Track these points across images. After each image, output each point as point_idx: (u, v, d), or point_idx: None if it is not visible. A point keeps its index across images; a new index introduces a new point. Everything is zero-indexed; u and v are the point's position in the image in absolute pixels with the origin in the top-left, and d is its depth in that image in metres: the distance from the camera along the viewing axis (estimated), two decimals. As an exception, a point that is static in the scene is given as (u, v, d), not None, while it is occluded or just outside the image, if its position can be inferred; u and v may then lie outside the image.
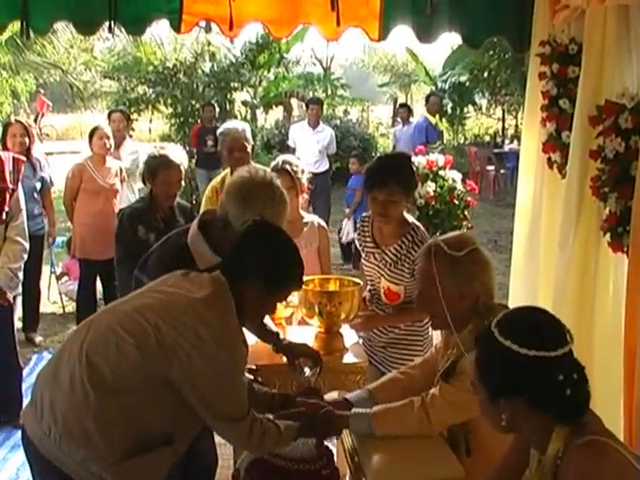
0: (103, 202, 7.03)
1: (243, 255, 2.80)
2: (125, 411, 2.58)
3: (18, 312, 6.20)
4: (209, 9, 4.61)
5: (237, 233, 2.94)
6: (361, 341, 4.10)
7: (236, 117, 15.38)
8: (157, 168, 4.74)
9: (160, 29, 12.53)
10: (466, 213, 5.66)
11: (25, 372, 5.80)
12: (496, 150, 19.62)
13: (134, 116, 14.34)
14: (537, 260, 4.46)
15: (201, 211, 4.84)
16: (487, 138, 24.38)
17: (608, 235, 3.59)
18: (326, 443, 3.06)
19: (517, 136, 20.49)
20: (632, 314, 3.38)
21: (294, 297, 3.98)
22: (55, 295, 8.52)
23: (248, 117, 17.05)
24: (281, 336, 3.65)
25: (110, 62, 17.56)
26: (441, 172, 5.65)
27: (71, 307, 8.12)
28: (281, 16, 4.66)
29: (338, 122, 19.03)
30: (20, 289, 5.21)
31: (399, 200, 3.88)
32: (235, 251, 2.83)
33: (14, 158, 4.92)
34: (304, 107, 13.37)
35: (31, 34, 4.41)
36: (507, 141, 22.28)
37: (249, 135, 5.29)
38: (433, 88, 20.40)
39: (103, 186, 7.06)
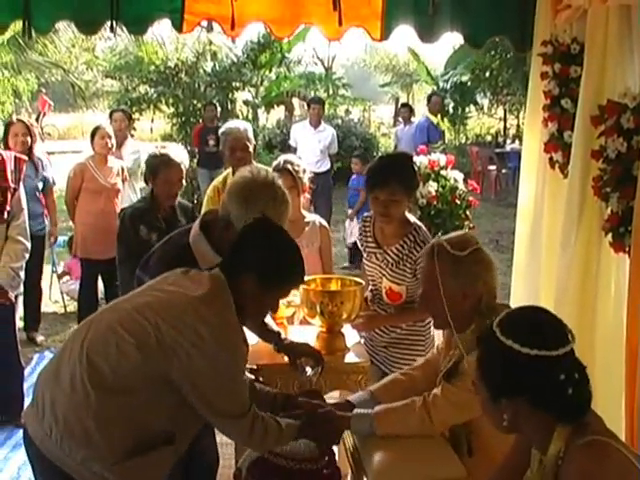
0: (105, 202, 7.03)
1: (243, 252, 2.80)
2: (126, 411, 2.58)
3: (19, 311, 6.20)
4: (211, 8, 4.61)
5: (239, 233, 2.94)
6: (363, 341, 4.10)
7: (238, 117, 15.39)
8: (158, 167, 4.74)
9: (162, 28, 12.48)
10: (468, 213, 5.66)
11: (27, 371, 5.80)
12: (498, 150, 19.64)
13: (136, 116, 14.35)
14: (539, 260, 4.46)
15: (203, 211, 4.84)
16: (489, 138, 24.40)
17: (610, 235, 3.59)
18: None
19: (519, 136, 20.48)
20: (633, 314, 3.38)
21: (296, 297, 3.98)
22: (57, 294, 8.53)
23: (250, 117, 17.08)
24: (282, 336, 3.65)
25: (112, 61, 17.56)
26: (443, 172, 5.65)
27: (72, 306, 8.13)
28: (283, 16, 4.65)
29: (340, 122, 19.02)
30: (22, 288, 5.21)
31: (401, 200, 3.88)
32: (234, 248, 2.84)
33: (16, 157, 4.92)
34: (305, 107, 13.36)
35: (33, 34, 4.41)
36: (509, 141, 22.27)
37: (251, 135, 5.29)
38: (435, 88, 20.41)
39: (105, 186, 7.06)
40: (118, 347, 2.58)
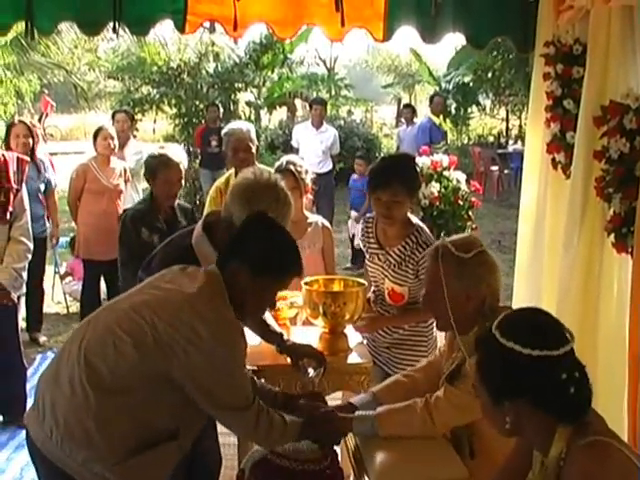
0: (107, 202, 7.04)
1: (235, 247, 2.81)
2: (126, 410, 2.59)
3: (22, 312, 6.20)
4: (213, 9, 4.61)
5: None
6: (365, 342, 4.10)
7: (240, 117, 15.39)
8: (157, 167, 4.75)
9: (164, 29, 12.55)
10: (470, 214, 5.65)
11: (29, 372, 5.81)
12: (500, 150, 19.64)
13: (138, 116, 14.36)
14: (541, 261, 4.45)
15: (205, 211, 4.84)
16: (491, 138, 24.38)
17: (612, 236, 3.59)
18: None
19: (521, 136, 20.50)
20: (636, 315, 3.38)
21: (298, 298, 3.99)
22: (59, 295, 8.54)
23: (252, 117, 17.07)
24: (285, 337, 3.65)
25: (114, 62, 17.56)
26: (445, 172, 5.64)
27: (75, 307, 8.13)
28: (285, 17, 4.66)
29: (342, 122, 19.04)
30: (24, 289, 5.21)
31: (403, 201, 3.88)
32: (229, 244, 2.84)
33: (18, 158, 4.93)
34: (308, 107, 13.37)
35: (35, 34, 4.42)
36: (511, 141, 22.27)
37: (254, 136, 5.29)
38: (437, 88, 20.41)
39: (107, 186, 7.06)
40: (116, 347, 2.58)
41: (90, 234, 7.05)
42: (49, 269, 7.85)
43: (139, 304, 2.69)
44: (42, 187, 6.87)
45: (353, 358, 3.81)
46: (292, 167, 4.58)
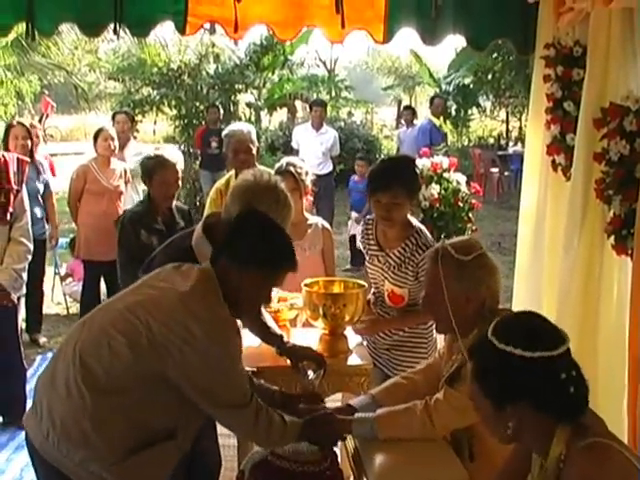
0: (107, 203, 7.04)
1: (227, 245, 2.81)
2: (122, 410, 2.59)
3: (22, 313, 6.20)
4: (214, 11, 4.61)
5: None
6: (365, 343, 4.10)
7: (240, 119, 15.40)
8: (153, 168, 4.74)
9: (165, 31, 12.55)
10: (470, 215, 5.65)
11: (29, 373, 5.81)
12: (500, 152, 19.63)
13: (138, 117, 14.38)
14: (541, 263, 4.45)
15: (205, 213, 4.84)
16: (491, 140, 24.37)
17: (612, 238, 3.59)
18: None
19: (521, 138, 20.49)
20: (636, 316, 3.38)
21: (298, 299, 3.99)
22: (59, 296, 8.54)
23: (252, 119, 17.08)
24: (285, 339, 3.65)
25: (114, 63, 17.56)
26: (445, 174, 5.64)
27: (75, 308, 8.13)
28: (286, 18, 4.66)
29: (342, 124, 19.04)
30: (24, 290, 5.21)
31: (403, 203, 3.87)
32: (221, 242, 2.84)
33: (18, 159, 4.93)
34: (308, 109, 13.38)
35: (36, 36, 4.42)
36: (511, 143, 22.26)
37: (254, 137, 5.29)
38: (437, 90, 20.41)
39: (107, 187, 7.07)
40: (110, 348, 2.59)
41: (90, 235, 7.06)
42: (49, 270, 7.85)
43: (133, 304, 2.69)
44: (41, 188, 6.87)
45: (353, 360, 3.82)
46: (292, 169, 4.58)
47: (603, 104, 3.66)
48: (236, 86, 15.72)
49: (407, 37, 4.81)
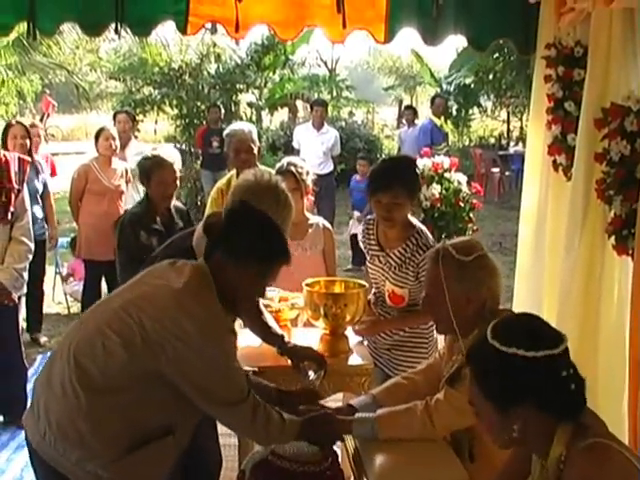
0: (108, 203, 7.05)
1: (221, 239, 2.80)
2: (118, 409, 2.59)
3: (22, 313, 6.20)
4: (215, 11, 4.61)
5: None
6: (366, 343, 4.10)
7: (241, 118, 15.40)
8: (151, 169, 4.72)
9: (166, 31, 12.57)
10: (471, 215, 5.65)
11: (30, 372, 5.80)
12: (501, 152, 19.64)
13: (139, 117, 14.38)
14: (542, 263, 4.45)
15: (206, 212, 4.84)
16: (492, 140, 24.39)
17: (613, 238, 3.59)
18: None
19: (522, 138, 20.49)
20: (637, 317, 3.38)
21: (299, 299, 3.99)
22: (60, 296, 8.54)
23: (253, 118, 17.08)
24: (286, 339, 3.65)
25: (116, 63, 17.56)
26: (446, 174, 5.65)
27: (76, 307, 8.14)
28: (287, 18, 4.66)
29: (343, 124, 19.05)
30: (25, 289, 5.21)
31: (403, 203, 3.87)
32: (214, 236, 2.84)
33: (19, 158, 4.93)
34: (309, 109, 13.38)
35: (37, 35, 4.42)
36: (512, 143, 22.26)
37: (255, 137, 5.29)
38: (438, 90, 20.40)
39: (108, 187, 7.07)
40: (105, 347, 2.59)
41: (91, 234, 7.07)
42: (50, 270, 7.85)
43: (128, 303, 2.68)
44: (40, 188, 6.86)
45: (354, 359, 3.82)
46: (293, 168, 4.58)
47: (604, 104, 3.66)
48: (237, 86, 15.72)
49: (408, 37, 4.81)
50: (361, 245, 4.26)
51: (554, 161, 4.21)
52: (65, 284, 8.41)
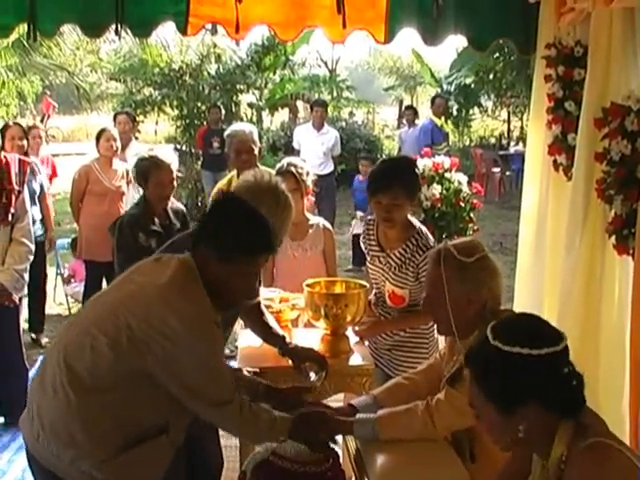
0: (109, 204, 7.05)
1: (205, 232, 2.78)
2: (108, 409, 2.59)
3: (24, 314, 6.20)
4: (215, 12, 4.61)
5: None
6: (367, 343, 4.10)
7: (242, 119, 15.39)
8: (148, 170, 4.71)
9: (166, 31, 12.55)
10: (472, 215, 5.64)
11: (31, 373, 5.77)
12: (502, 152, 19.64)
13: (140, 118, 14.37)
14: (543, 263, 4.45)
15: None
16: (492, 140, 24.39)
17: (613, 237, 3.59)
18: (332, 445, 3.06)
19: (523, 138, 20.48)
20: (637, 316, 3.38)
21: (300, 300, 3.99)
22: (61, 296, 8.54)
23: (254, 119, 17.08)
24: (287, 339, 3.65)
25: (116, 64, 17.54)
26: (447, 174, 5.64)
27: (77, 309, 8.13)
28: (287, 19, 4.65)
29: (344, 124, 19.05)
30: (25, 290, 5.21)
31: (403, 204, 3.87)
32: (198, 229, 2.83)
33: (20, 160, 4.94)
34: (309, 109, 13.38)
35: (38, 36, 4.42)
36: (512, 143, 22.25)
37: (256, 137, 5.30)
38: (439, 90, 20.39)
39: (109, 188, 7.08)
40: (93, 348, 2.58)
41: (92, 235, 7.06)
42: (51, 271, 7.85)
43: (114, 301, 2.68)
44: (37, 190, 6.86)
45: (355, 360, 3.82)
46: (293, 169, 4.59)
47: (604, 104, 3.66)
48: (238, 86, 15.71)
49: (408, 37, 4.81)
50: (362, 245, 4.25)
51: (554, 161, 4.21)
52: (66, 285, 8.41)
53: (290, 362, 3.59)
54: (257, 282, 2.93)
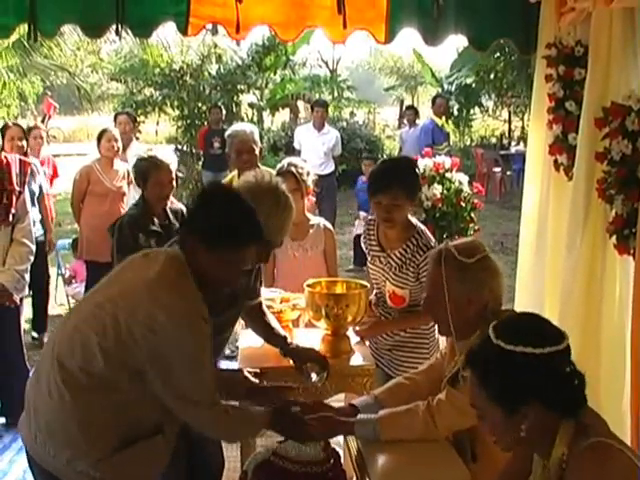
0: (110, 204, 7.05)
1: (191, 223, 2.78)
2: (103, 407, 2.59)
3: (25, 314, 6.20)
4: (216, 12, 4.60)
5: None
6: (367, 343, 4.10)
7: (242, 119, 15.43)
8: (148, 170, 4.70)
9: (167, 32, 12.55)
10: (473, 215, 5.64)
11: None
12: (502, 152, 19.64)
13: (141, 118, 14.39)
14: (544, 262, 4.45)
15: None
16: (493, 140, 24.38)
17: (614, 237, 3.59)
18: (333, 446, 3.06)
19: (523, 138, 20.51)
20: (639, 316, 3.38)
21: (301, 300, 3.99)
22: (62, 297, 8.54)
23: (254, 119, 17.11)
24: (289, 340, 3.65)
25: (117, 64, 17.58)
26: (448, 174, 5.63)
27: (78, 309, 8.11)
28: (288, 19, 4.65)
29: (344, 124, 19.06)
30: (26, 291, 5.21)
31: (403, 204, 3.87)
32: (185, 220, 2.83)
33: (21, 160, 4.95)
34: (310, 109, 13.39)
35: (38, 37, 4.41)
36: (513, 143, 22.28)
37: (257, 137, 5.30)
38: (439, 90, 20.38)
39: (110, 188, 7.08)
40: (83, 346, 2.58)
41: (93, 236, 7.05)
42: (52, 272, 7.85)
43: (103, 298, 2.67)
44: (37, 191, 6.86)
45: (356, 360, 3.82)
46: (293, 169, 4.58)
47: (605, 104, 3.66)
48: (238, 86, 15.74)
49: (409, 37, 4.80)
50: (362, 246, 4.25)
51: (555, 161, 4.21)
52: (67, 286, 8.41)
53: (291, 362, 3.59)
54: (242, 270, 2.87)
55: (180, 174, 4.95)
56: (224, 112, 13.10)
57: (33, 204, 6.63)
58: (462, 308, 2.85)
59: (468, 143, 23.23)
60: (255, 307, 3.67)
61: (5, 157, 4.83)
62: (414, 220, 4.10)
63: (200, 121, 14.40)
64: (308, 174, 4.66)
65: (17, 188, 4.81)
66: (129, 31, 4.60)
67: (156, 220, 4.69)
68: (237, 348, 4.40)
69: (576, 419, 2.09)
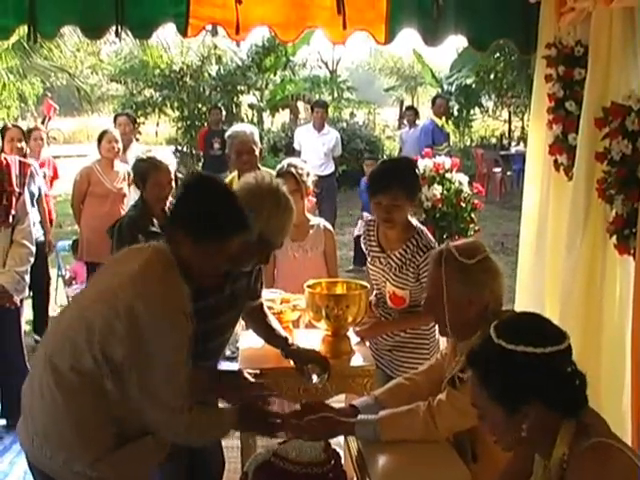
0: (110, 205, 7.05)
1: (176, 216, 2.78)
2: (95, 408, 2.59)
3: (26, 315, 6.20)
4: (216, 13, 4.60)
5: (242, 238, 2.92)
6: (368, 344, 4.09)
7: (243, 120, 15.45)
8: (147, 171, 4.69)
9: (167, 33, 12.56)
10: (473, 216, 5.64)
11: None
12: (502, 152, 19.64)
13: (141, 119, 14.41)
14: (544, 262, 4.45)
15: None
16: (493, 140, 24.38)
17: (614, 237, 3.59)
18: (333, 446, 3.06)
19: (523, 138, 20.50)
20: (639, 316, 3.38)
21: (301, 300, 3.99)
22: (62, 298, 8.53)
23: (255, 120, 17.14)
24: (289, 341, 3.65)
25: (117, 65, 17.60)
26: (448, 175, 5.64)
27: (78, 310, 8.11)
28: (288, 20, 4.65)
29: (344, 125, 19.06)
30: (27, 292, 5.21)
31: (403, 205, 3.87)
32: (170, 213, 2.82)
33: (20, 162, 4.95)
34: (310, 110, 13.39)
35: (38, 38, 4.41)
36: (513, 143, 22.28)
37: (257, 138, 5.29)
38: (439, 90, 20.39)
39: (111, 190, 7.08)
40: (72, 347, 2.58)
41: (93, 237, 7.04)
42: (52, 273, 7.84)
43: (91, 296, 2.69)
44: (36, 192, 6.85)
45: (356, 361, 3.81)
46: (293, 169, 4.58)
47: (605, 104, 3.66)
48: (238, 87, 15.76)
49: (409, 38, 4.80)
50: (362, 246, 4.25)
51: (555, 161, 4.21)
52: (67, 287, 8.40)
53: (292, 364, 3.58)
54: (227, 261, 2.84)
55: (180, 175, 4.94)
56: (224, 113, 13.11)
57: (33, 205, 6.63)
58: (463, 309, 2.85)
59: (468, 143, 23.25)
60: (256, 308, 3.67)
61: (5, 158, 4.83)
62: (414, 221, 4.10)
63: (200, 122, 14.43)
64: (308, 175, 4.66)
65: (17, 189, 4.81)
66: (129, 32, 4.59)
67: (155, 221, 4.69)
68: (237, 349, 4.40)
69: (577, 419, 2.09)
